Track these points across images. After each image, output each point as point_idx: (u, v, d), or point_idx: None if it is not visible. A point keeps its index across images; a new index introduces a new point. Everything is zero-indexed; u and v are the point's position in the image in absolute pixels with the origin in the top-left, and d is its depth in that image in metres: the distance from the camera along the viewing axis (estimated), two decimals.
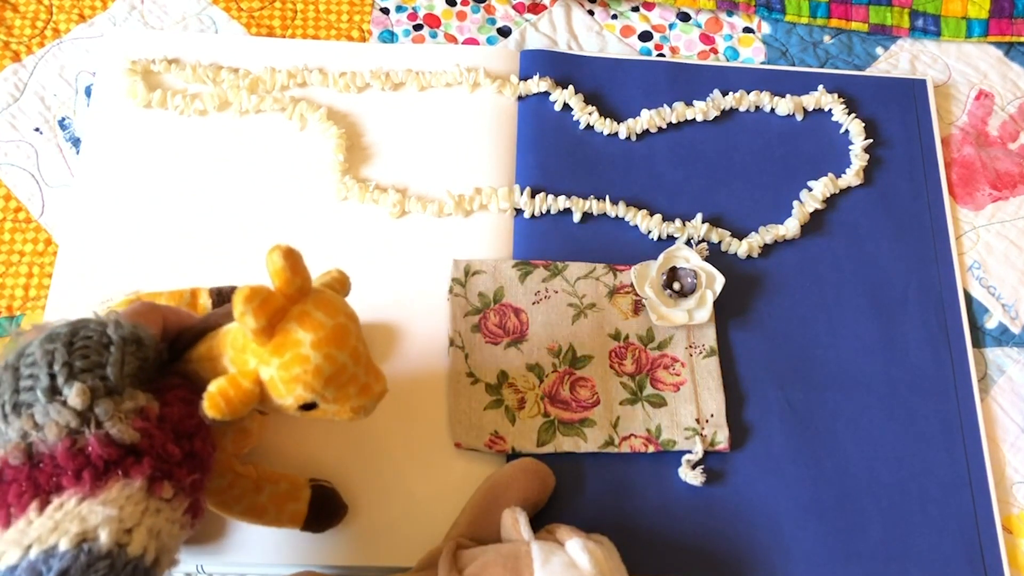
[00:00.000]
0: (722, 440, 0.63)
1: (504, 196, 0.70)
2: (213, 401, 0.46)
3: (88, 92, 0.75)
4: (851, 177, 0.74)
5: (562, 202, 0.70)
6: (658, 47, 0.82)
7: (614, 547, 0.54)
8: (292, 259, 0.46)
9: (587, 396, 0.64)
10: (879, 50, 0.82)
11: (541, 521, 0.58)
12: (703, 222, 0.71)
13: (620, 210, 0.71)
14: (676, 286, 0.66)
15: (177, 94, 0.73)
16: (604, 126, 0.74)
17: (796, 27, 0.83)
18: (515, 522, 0.53)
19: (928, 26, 0.82)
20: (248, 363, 0.48)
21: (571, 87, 0.75)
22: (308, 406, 0.49)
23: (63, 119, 0.74)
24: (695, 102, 0.76)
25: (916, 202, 0.74)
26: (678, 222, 0.71)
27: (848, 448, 0.65)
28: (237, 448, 0.57)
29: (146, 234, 0.69)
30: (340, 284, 0.53)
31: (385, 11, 0.81)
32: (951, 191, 0.76)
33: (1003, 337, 0.71)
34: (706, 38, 0.82)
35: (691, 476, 0.62)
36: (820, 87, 0.77)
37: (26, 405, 0.43)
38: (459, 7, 0.82)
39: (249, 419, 0.57)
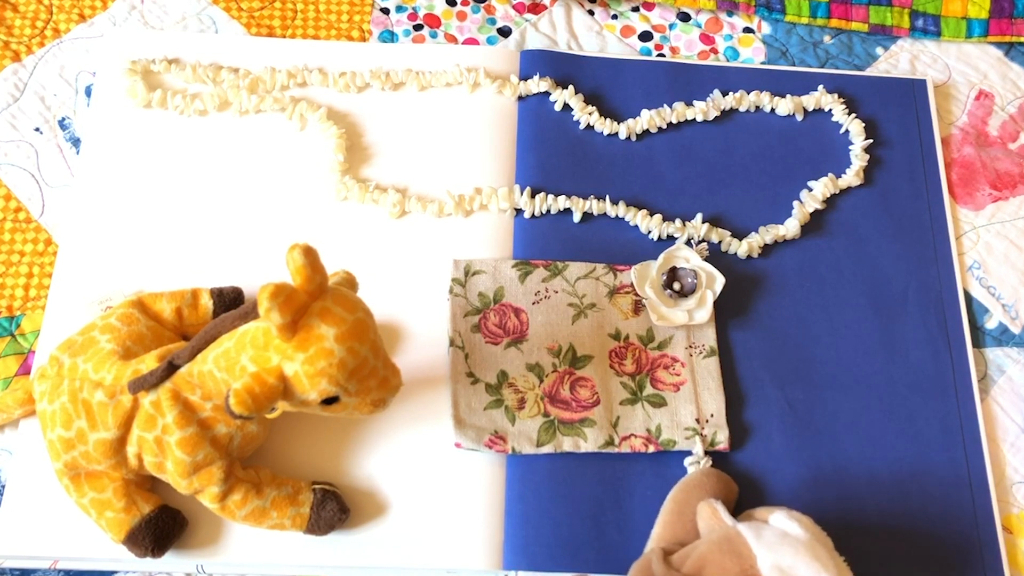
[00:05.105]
0: (722, 440, 0.63)
1: (504, 196, 0.70)
2: (240, 398, 0.47)
3: (88, 92, 0.75)
4: (851, 177, 0.74)
5: (562, 202, 0.70)
6: (658, 47, 0.82)
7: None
8: (312, 256, 0.47)
9: (587, 396, 0.64)
10: (879, 50, 0.82)
11: None
12: (703, 222, 0.71)
13: (620, 210, 0.71)
14: (676, 286, 0.66)
15: (177, 94, 0.73)
16: (604, 126, 0.74)
17: (796, 27, 0.83)
18: (714, 511, 0.53)
19: (928, 26, 0.82)
20: (271, 360, 0.49)
21: (571, 87, 0.75)
22: (330, 400, 0.51)
23: (63, 119, 0.74)
24: (695, 102, 0.76)
25: (916, 202, 0.74)
26: (678, 222, 0.71)
27: (848, 448, 0.65)
28: (242, 452, 0.57)
29: (146, 234, 0.69)
30: (349, 284, 0.55)
31: (385, 11, 0.81)
32: (951, 191, 0.76)
33: (1003, 337, 0.71)
34: (706, 38, 0.82)
35: None
36: (820, 87, 0.77)
37: None
38: (459, 7, 0.82)
39: (254, 422, 0.57)
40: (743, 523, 0.51)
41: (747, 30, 0.83)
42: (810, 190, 0.74)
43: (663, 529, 0.57)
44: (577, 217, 0.71)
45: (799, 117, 0.77)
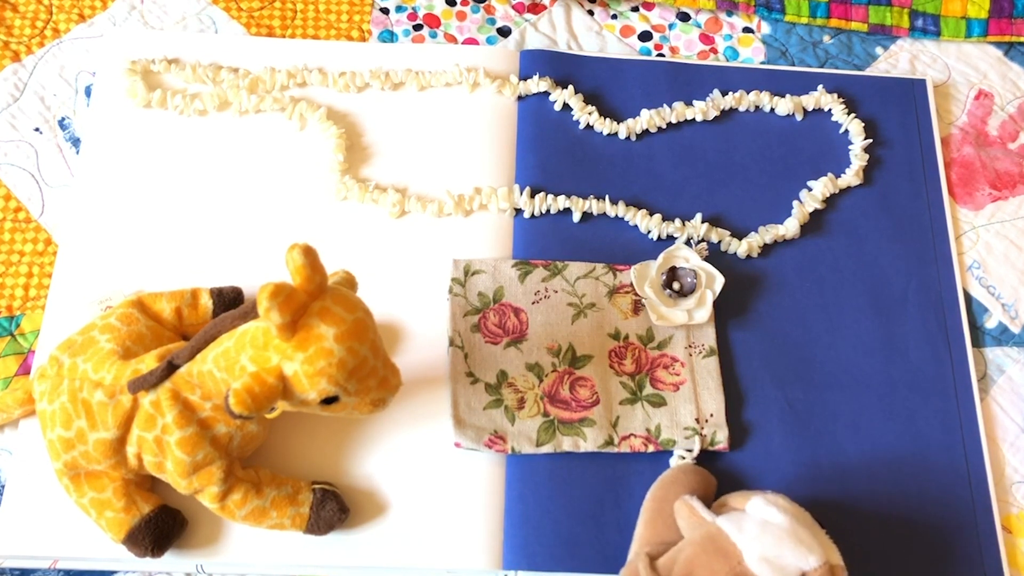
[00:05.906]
0: (721, 440, 0.63)
1: (504, 196, 0.70)
2: (239, 397, 0.47)
3: (88, 92, 0.75)
4: (851, 177, 0.74)
5: (562, 202, 0.70)
6: (658, 47, 0.82)
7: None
8: (311, 256, 0.47)
9: (587, 396, 0.64)
10: (879, 50, 0.82)
11: None
12: (703, 222, 0.71)
13: (620, 210, 0.71)
14: (676, 286, 0.66)
15: (177, 94, 0.73)
16: (604, 126, 0.74)
17: (796, 27, 0.83)
18: (691, 509, 0.52)
19: (928, 26, 0.82)
20: (270, 360, 0.49)
21: (571, 87, 0.75)
22: (330, 399, 0.51)
23: (63, 119, 0.74)
24: (695, 102, 0.76)
25: (916, 202, 0.74)
26: (678, 222, 0.71)
27: (848, 448, 0.65)
28: (242, 452, 0.57)
29: (146, 234, 0.69)
30: (349, 284, 0.55)
31: (385, 11, 0.81)
32: (951, 191, 0.76)
33: (1003, 337, 0.71)
34: (706, 38, 0.82)
35: None
36: (820, 87, 0.77)
37: None
38: (459, 7, 0.82)
39: (254, 422, 0.57)
40: (722, 517, 0.51)
41: (747, 30, 0.83)
42: (810, 190, 0.74)
43: (645, 528, 0.57)
44: (577, 217, 0.71)
45: (799, 117, 0.77)
